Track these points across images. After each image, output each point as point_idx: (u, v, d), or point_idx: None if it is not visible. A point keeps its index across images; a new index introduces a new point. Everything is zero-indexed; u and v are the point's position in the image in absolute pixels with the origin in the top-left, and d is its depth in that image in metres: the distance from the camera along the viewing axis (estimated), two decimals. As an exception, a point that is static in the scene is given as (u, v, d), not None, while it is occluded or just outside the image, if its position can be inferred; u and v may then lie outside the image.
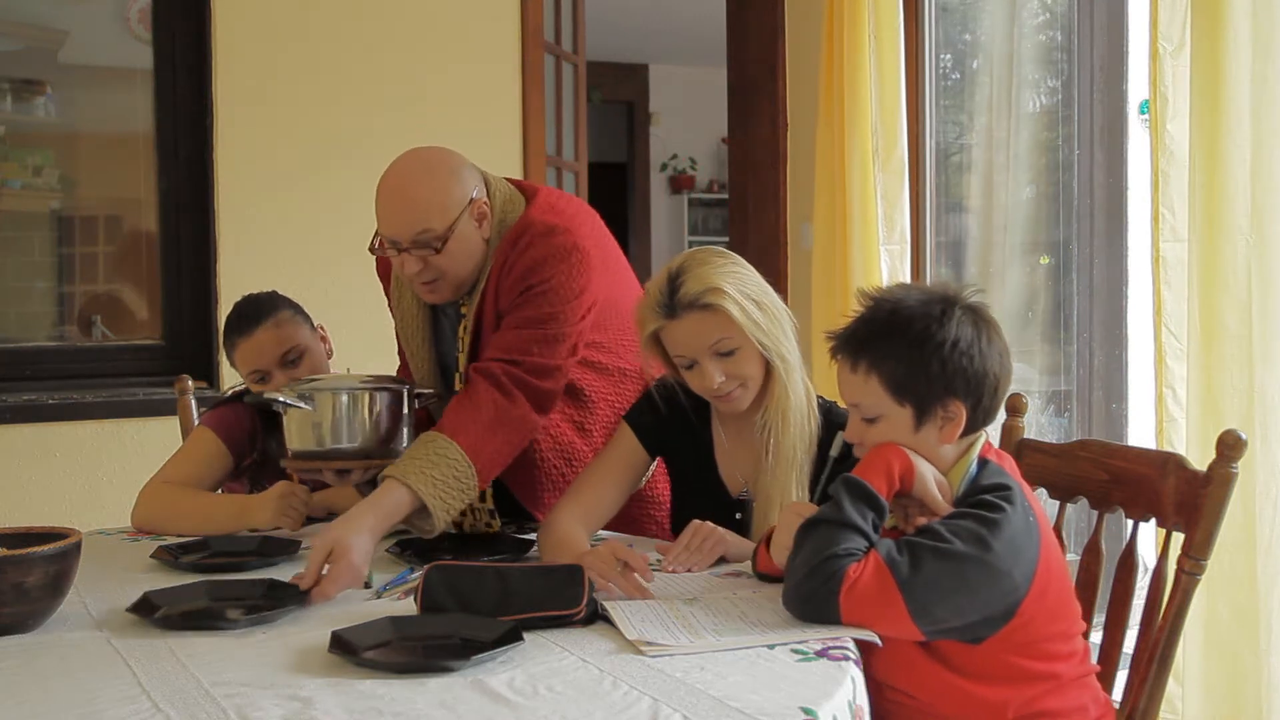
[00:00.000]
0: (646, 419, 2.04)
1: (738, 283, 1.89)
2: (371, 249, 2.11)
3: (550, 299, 2.03)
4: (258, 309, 2.31)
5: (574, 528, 1.92)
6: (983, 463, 1.63)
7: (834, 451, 1.88)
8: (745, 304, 1.87)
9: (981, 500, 1.56)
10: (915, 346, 1.59)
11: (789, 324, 1.93)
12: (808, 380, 1.97)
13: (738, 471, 2.01)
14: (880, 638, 1.51)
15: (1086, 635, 1.70)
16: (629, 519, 2.17)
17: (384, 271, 2.27)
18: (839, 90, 3.74)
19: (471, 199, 2.02)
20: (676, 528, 2.06)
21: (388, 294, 2.28)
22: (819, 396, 1.99)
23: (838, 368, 1.67)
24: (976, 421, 1.62)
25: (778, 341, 1.90)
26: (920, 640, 1.55)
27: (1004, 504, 1.54)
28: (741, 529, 1.94)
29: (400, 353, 2.32)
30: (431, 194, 1.99)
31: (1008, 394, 1.67)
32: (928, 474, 1.60)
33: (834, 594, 1.49)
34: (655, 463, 2.10)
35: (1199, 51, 2.52)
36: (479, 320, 2.10)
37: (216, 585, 1.70)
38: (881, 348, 1.61)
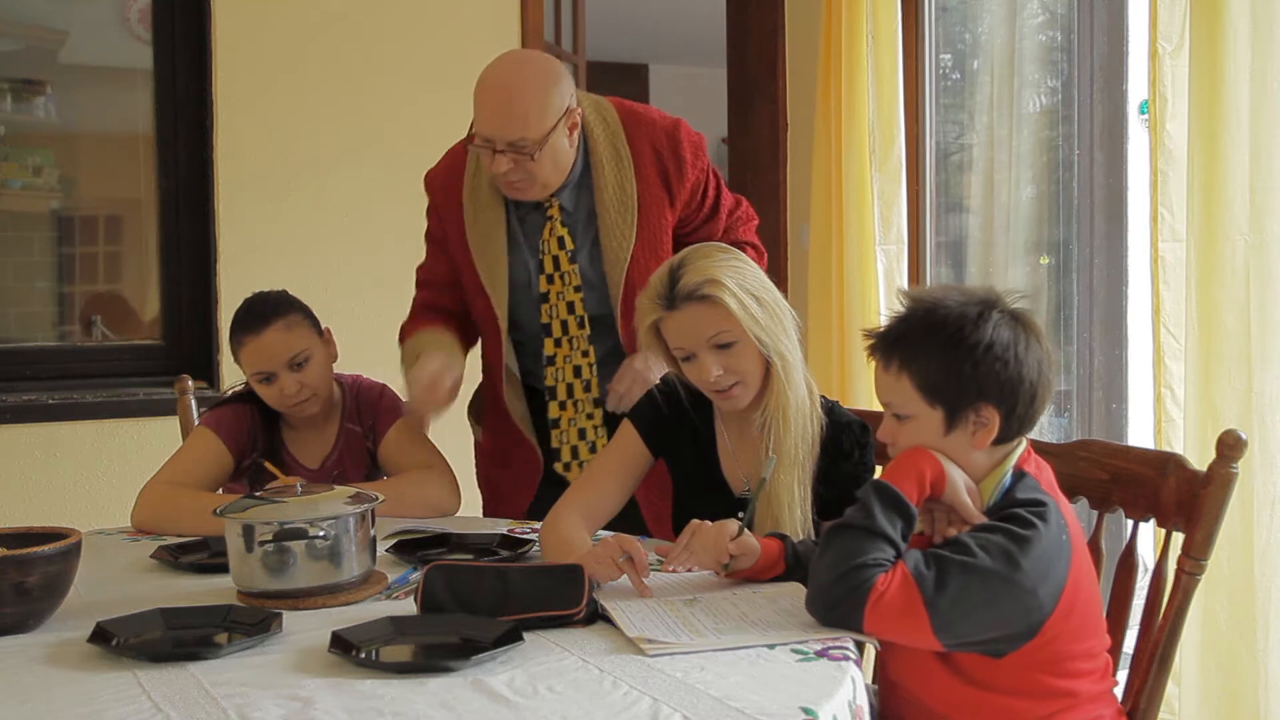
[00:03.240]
0: (650, 418, 2.04)
1: (738, 277, 1.89)
2: (467, 144, 2.21)
3: (716, 170, 2.35)
4: (270, 308, 2.28)
5: (576, 528, 1.92)
6: (1019, 474, 1.60)
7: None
8: (744, 298, 1.88)
9: (1014, 515, 1.53)
10: (949, 347, 1.57)
11: (790, 322, 1.94)
12: (811, 379, 1.97)
13: (740, 470, 2.01)
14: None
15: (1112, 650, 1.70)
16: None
17: (443, 182, 2.33)
18: (836, 91, 3.74)
19: (568, 109, 2.13)
20: (679, 526, 2.07)
21: (439, 210, 2.32)
22: (821, 396, 1.99)
23: (874, 366, 1.66)
24: (1010, 430, 1.59)
25: (776, 338, 1.90)
26: (939, 651, 1.55)
27: (1037, 521, 1.51)
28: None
29: (425, 281, 2.40)
30: (533, 101, 2.09)
31: (1047, 404, 1.62)
32: (959, 481, 1.58)
33: (860, 604, 1.47)
34: (656, 461, 2.10)
35: (1198, 52, 2.52)
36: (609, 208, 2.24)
37: (172, 614, 1.58)
38: (915, 347, 1.59)
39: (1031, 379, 1.58)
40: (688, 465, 2.05)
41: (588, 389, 2.28)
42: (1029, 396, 1.58)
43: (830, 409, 1.99)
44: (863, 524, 1.53)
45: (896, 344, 1.62)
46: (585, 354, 2.27)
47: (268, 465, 2.20)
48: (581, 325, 2.26)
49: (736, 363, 1.90)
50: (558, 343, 2.27)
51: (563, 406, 2.29)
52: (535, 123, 2.08)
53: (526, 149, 2.09)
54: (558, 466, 2.31)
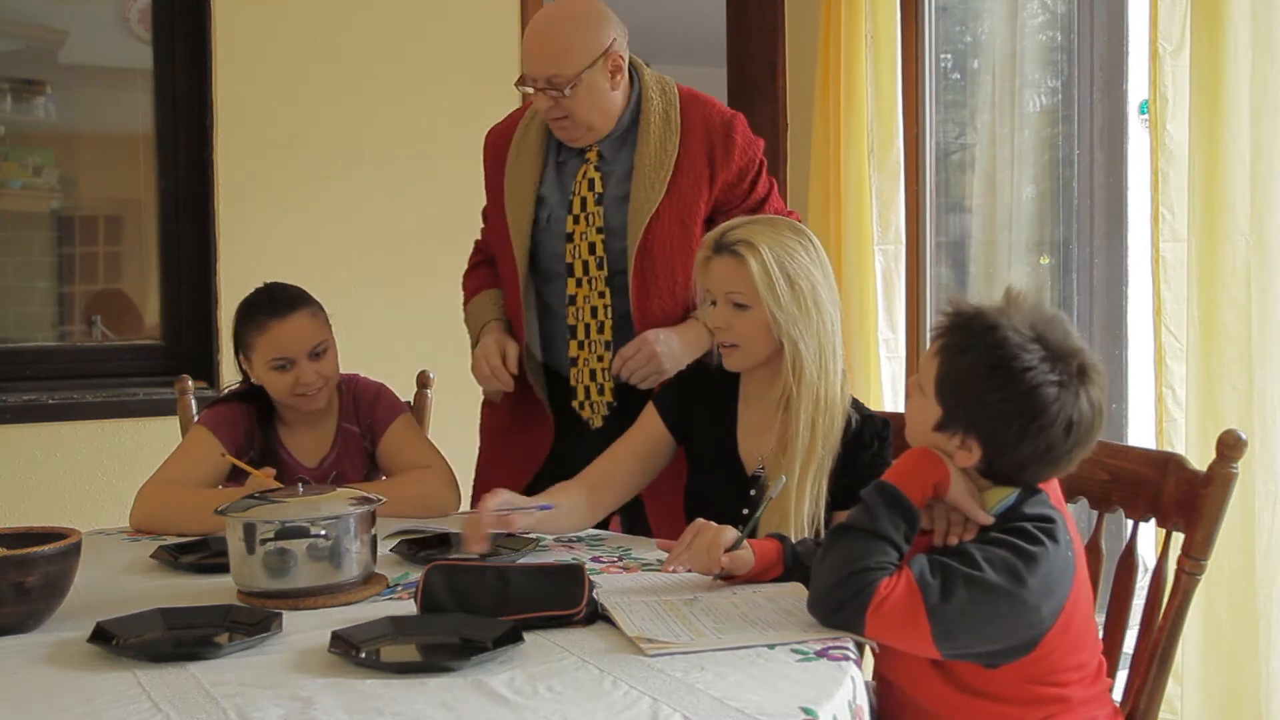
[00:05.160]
0: (671, 400, 2.09)
1: (781, 252, 1.93)
2: (518, 84, 2.27)
3: (770, 174, 2.43)
4: (295, 295, 2.30)
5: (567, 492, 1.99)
6: (1033, 490, 1.58)
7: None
8: (773, 271, 1.91)
9: (1022, 529, 1.51)
10: (990, 388, 1.53)
11: (820, 318, 1.94)
12: (846, 385, 1.98)
13: (756, 449, 2.03)
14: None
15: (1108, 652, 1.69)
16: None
17: (498, 134, 2.43)
18: (835, 90, 3.74)
19: (606, 51, 2.18)
20: (690, 505, 2.07)
21: (490, 160, 2.41)
22: (852, 398, 2.01)
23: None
24: (989, 473, 1.58)
25: (794, 325, 1.92)
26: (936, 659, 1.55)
27: (1045, 539, 1.50)
28: (752, 507, 1.97)
29: (483, 245, 2.52)
30: (566, 41, 2.17)
31: (1043, 477, 1.58)
32: (963, 483, 1.58)
33: (863, 608, 1.47)
34: (678, 447, 2.11)
35: (1199, 51, 2.52)
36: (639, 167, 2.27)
37: (172, 614, 1.58)
38: (967, 368, 1.55)
39: (1037, 454, 1.53)
40: (705, 440, 2.07)
41: (601, 330, 2.31)
42: (1017, 464, 1.55)
43: (855, 404, 2.01)
44: (866, 526, 1.52)
45: (953, 339, 1.57)
46: (601, 295, 2.30)
47: (233, 460, 2.20)
48: (600, 266, 2.30)
49: (742, 326, 1.95)
50: (579, 282, 2.31)
51: (581, 346, 2.33)
52: (568, 60, 2.15)
53: (559, 84, 2.15)
54: (574, 404, 2.34)
